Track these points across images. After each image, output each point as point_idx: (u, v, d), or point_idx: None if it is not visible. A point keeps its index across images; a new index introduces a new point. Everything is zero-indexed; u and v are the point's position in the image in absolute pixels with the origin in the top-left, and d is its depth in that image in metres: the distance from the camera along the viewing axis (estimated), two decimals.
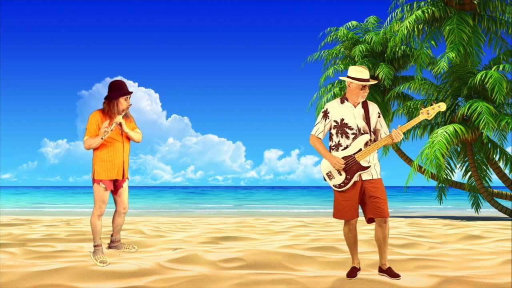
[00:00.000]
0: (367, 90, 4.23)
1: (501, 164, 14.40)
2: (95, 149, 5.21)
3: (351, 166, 4.16)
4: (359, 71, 4.20)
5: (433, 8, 14.48)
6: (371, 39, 15.98)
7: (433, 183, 15.15)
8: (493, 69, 13.18)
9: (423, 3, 15.02)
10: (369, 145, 4.18)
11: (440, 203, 15.50)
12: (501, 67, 13.21)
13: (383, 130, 4.29)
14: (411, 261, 5.18)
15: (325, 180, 4.29)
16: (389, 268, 4.32)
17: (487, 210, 16.42)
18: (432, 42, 14.58)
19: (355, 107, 4.25)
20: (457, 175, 22.28)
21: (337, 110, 4.27)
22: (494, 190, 14.68)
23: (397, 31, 15.30)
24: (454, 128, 13.09)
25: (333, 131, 4.28)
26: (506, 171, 14.34)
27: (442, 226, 9.75)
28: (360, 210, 4.31)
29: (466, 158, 14.58)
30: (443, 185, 15.16)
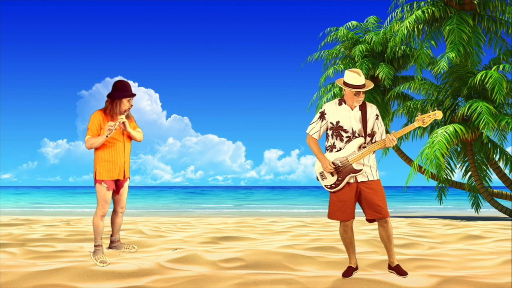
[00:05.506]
0: (362, 96, 4.23)
1: (501, 164, 14.40)
2: (96, 149, 5.20)
3: (344, 168, 4.20)
4: (353, 77, 4.19)
5: (433, 8, 14.48)
6: (371, 39, 15.98)
7: (433, 183, 15.16)
8: (493, 69, 13.18)
9: (423, 3, 15.02)
10: (363, 148, 4.21)
11: (440, 203, 15.50)
12: (501, 67, 13.21)
13: (379, 132, 4.30)
14: (411, 261, 5.18)
15: (318, 179, 4.35)
16: (398, 265, 4.38)
17: (487, 210, 16.41)
18: (432, 42, 14.58)
19: (352, 109, 4.27)
20: (457, 175, 22.28)
21: (333, 112, 4.29)
22: (494, 190, 14.68)
23: (397, 31, 15.30)
24: (454, 128, 13.09)
25: (329, 132, 4.32)
26: (506, 171, 14.34)
27: (442, 226, 9.74)
28: (360, 211, 4.34)
29: (466, 158, 14.58)
30: (443, 185, 15.15)
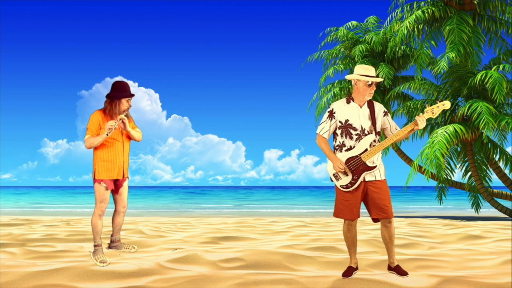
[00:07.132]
0: (374, 88, 4.27)
1: (501, 164, 14.40)
2: (95, 149, 5.21)
3: (358, 166, 4.18)
4: (366, 69, 4.26)
5: (433, 8, 14.48)
6: (371, 39, 15.99)
7: (433, 183, 15.16)
8: (493, 69, 13.18)
9: (423, 3, 15.02)
10: (374, 145, 4.20)
11: (440, 203, 15.49)
12: (501, 67, 13.21)
13: (393, 127, 4.32)
14: (411, 261, 5.18)
15: (332, 180, 4.31)
16: (398, 266, 4.38)
17: (487, 210, 16.41)
18: (432, 42, 14.58)
19: (361, 107, 4.27)
20: (457, 175, 22.30)
21: (342, 110, 4.28)
22: (494, 190, 14.68)
23: (397, 31, 15.30)
24: (454, 128, 13.09)
25: (338, 132, 4.29)
26: (506, 171, 14.34)
27: (442, 226, 9.75)
28: (364, 210, 4.34)
29: (466, 158, 14.57)
30: (443, 185, 15.15)
